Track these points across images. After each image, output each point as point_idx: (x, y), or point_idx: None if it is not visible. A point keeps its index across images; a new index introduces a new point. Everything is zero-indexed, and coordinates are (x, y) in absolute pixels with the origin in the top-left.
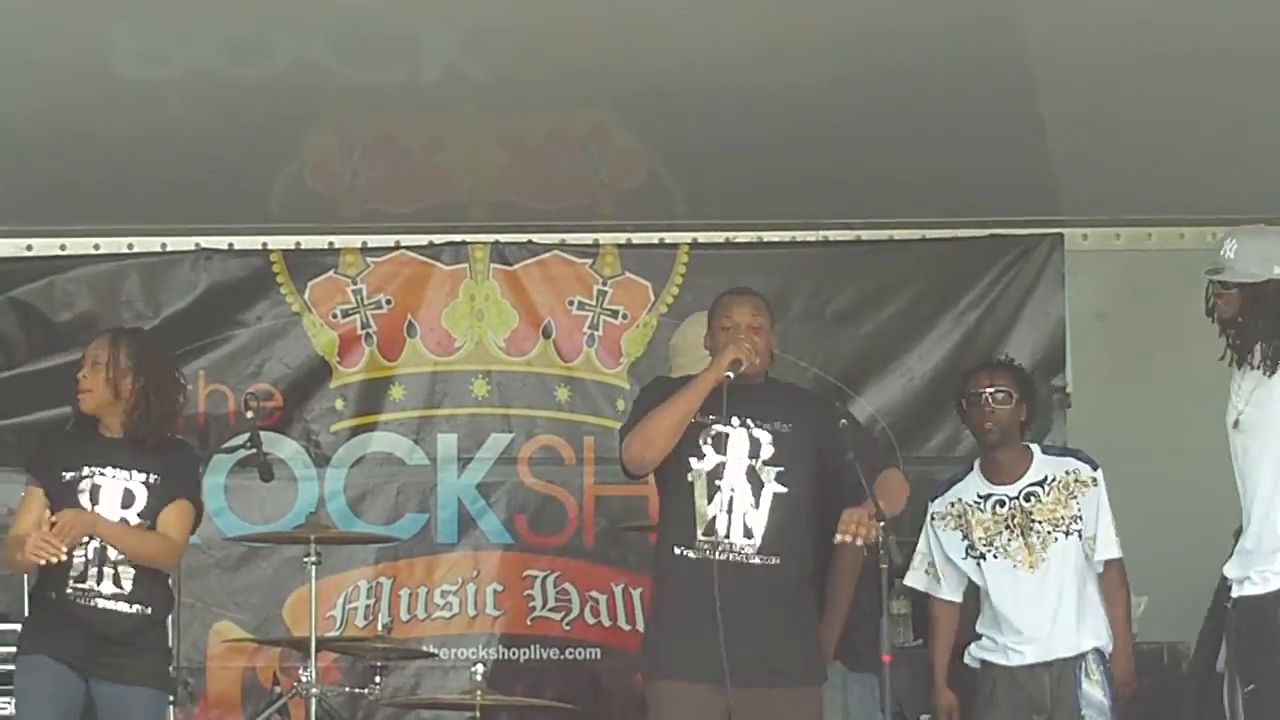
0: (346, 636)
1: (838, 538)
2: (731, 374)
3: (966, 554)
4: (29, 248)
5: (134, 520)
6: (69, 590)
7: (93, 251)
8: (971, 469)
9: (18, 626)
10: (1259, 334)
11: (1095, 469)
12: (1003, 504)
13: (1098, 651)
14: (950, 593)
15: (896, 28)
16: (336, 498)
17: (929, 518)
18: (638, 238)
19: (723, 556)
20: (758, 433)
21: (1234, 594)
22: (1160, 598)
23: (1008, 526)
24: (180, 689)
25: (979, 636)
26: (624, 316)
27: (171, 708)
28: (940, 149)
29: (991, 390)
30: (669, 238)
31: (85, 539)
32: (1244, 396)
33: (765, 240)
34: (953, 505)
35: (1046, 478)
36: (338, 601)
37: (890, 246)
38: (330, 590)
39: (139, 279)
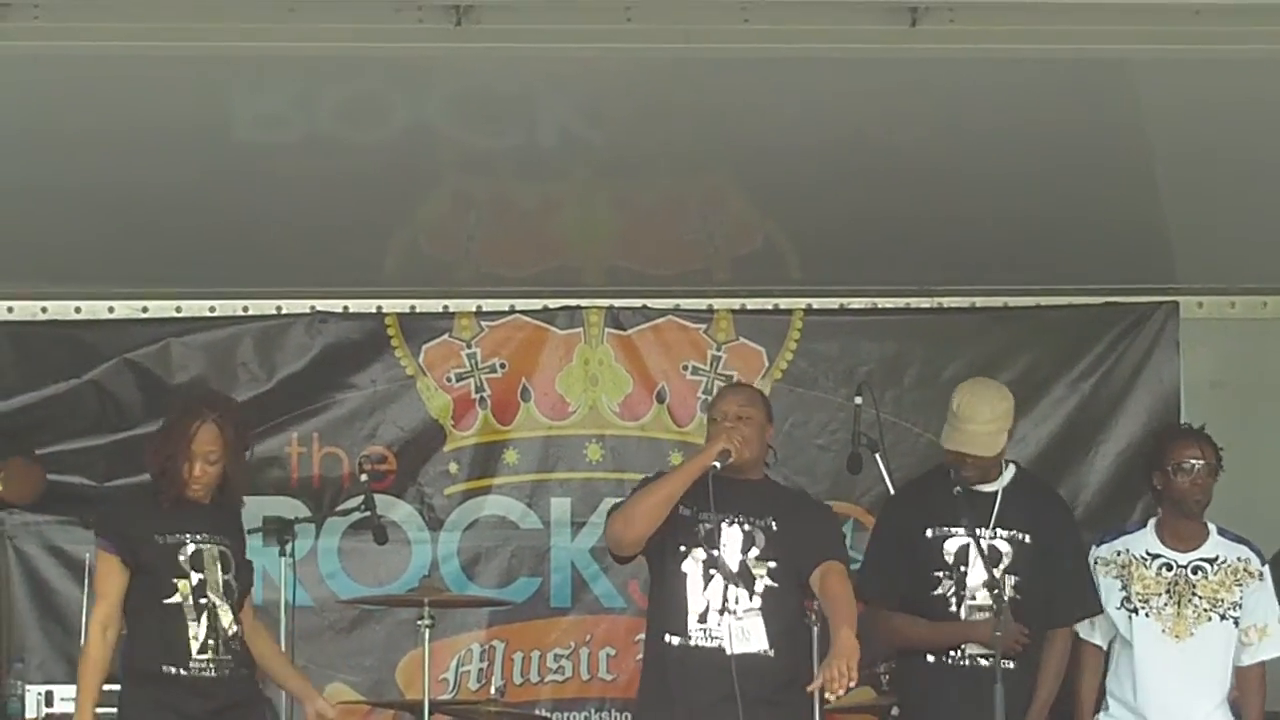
0: (459, 699)
1: (828, 696)
2: (718, 464)
3: (1121, 604)
4: (145, 310)
5: (230, 580)
6: (193, 665)
7: (208, 314)
8: (1145, 526)
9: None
10: None
11: (1264, 563)
12: (1170, 568)
13: None
14: (1100, 639)
15: (1013, 99)
16: (450, 561)
17: (1092, 562)
18: (752, 303)
19: (716, 645)
20: (750, 528)
21: None
22: (1277, 666)
23: (1168, 591)
24: None
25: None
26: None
27: None
28: (1056, 218)
29: (1202, 462)
30: (783, 303)
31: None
32: None
33: (880, 306)
34: (1118, 554)
35: (1218, 557)
36: (451, 664)
37: (1005, 314)
38: (443, 653)
39: (254, 342)
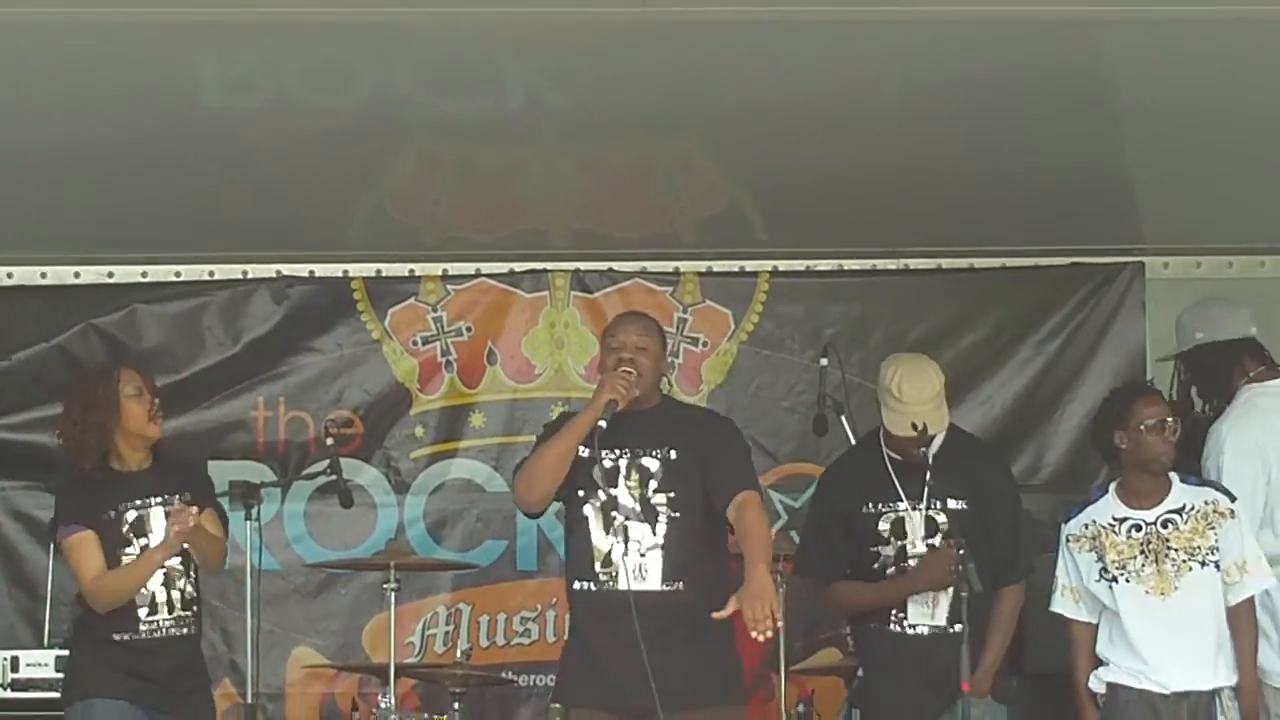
0: (425, 663)
1: (754, 635)
2: (604, 423)
3: (1100, 576)
4: (110, 275)
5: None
6: (142, 628)
7: (174, 279)
8: (1107, 492)
9: None
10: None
11: (1233, 500)
12: (1139, 528)
13: (1233, 689)
14: (1088, 615)
15: (978, 61)
16: (416, 524)
17: (1064, 540)
18: (718, 266)
19: (622, 587)
20: (647, 461)
21: None
22: None
23: (1142, 551)
24: (258, 715)
25: (1100, 662)
26: (704, 344)
27: None
28: (1022, 179)
29: (1170, 420)
30: (749, 266)
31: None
32: None
33: (846, 269)
34: (1086, 527)
35: (1185, 506)
36: (417, 628)
37: (971, 275)
38: (409, 617)
39: (219, 306)
